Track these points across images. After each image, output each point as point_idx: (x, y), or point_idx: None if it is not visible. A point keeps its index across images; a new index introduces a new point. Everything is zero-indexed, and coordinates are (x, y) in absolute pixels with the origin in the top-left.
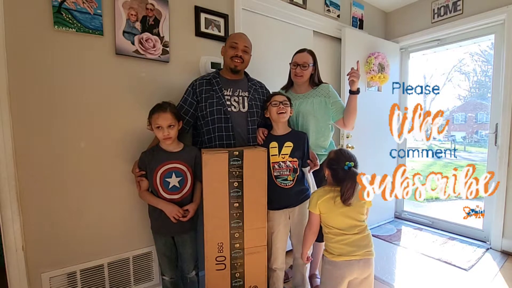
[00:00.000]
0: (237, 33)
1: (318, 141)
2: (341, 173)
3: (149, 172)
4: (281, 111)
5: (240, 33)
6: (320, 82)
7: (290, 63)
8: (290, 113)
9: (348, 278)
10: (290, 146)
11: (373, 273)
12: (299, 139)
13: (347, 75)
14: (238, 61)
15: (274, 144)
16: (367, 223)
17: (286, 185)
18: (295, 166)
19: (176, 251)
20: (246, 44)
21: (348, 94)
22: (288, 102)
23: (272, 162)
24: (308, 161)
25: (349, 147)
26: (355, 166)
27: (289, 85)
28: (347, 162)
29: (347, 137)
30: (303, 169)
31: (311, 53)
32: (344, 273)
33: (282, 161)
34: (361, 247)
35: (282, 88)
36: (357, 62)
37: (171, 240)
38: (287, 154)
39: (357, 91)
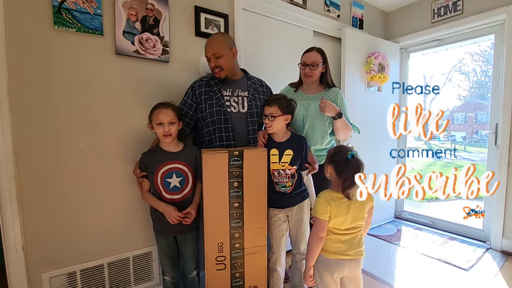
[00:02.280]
0: (207, 40)
1: (322, 145)
2: (343, 164)
3: (150, 172)
4: (266, 125)
5: (208, 39)
6: (333, 84)
7: (299, 64)
8: (286, 120)
9: (337, 275)
10: (290, 155)
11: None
12: (298, 146)
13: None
14: (217, 71)
15: (274, 151)
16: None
17: (286, 191)
18: (293, 173)
19: (177, 251)
20: (213, 50)
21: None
22: (274, 116)
23: (272, 169)
24: (306, 164)
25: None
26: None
27: (300, 83)
28: (349, 151)
29: None
30: (302, 172)
31: (320, 51)
32: (333, 271)
33: (282, 169)
34: (353, 246)
35: (292, 86)
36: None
37: (173, 240)
38: (287, 163)
39: (337, 116)
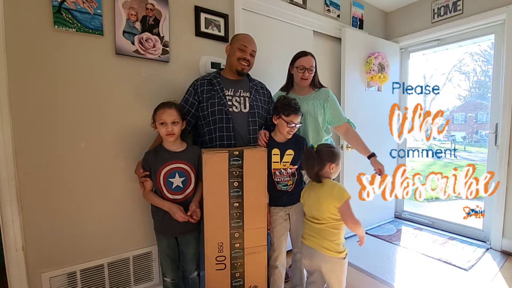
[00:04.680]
0: (246, 35)
1: (317, 141)
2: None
3: (153, 172)
4: (291, 132)
5: (250, 37)
6: (321, 85)
7: (293, 66)
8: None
9: (308, 262)
10: (291, 155)
11: (337, 272)
12: (299, 146)
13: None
14: (245, 64)
15: (276, 151)
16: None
17: (287, 189)
18: (294, 171)
19: (178, 252)
20: (254, 48)
21: (369, 154)
22: (300, 122)
23: (274, 169)
24: None
25: (349, 148)
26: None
27: (289, 86)
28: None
29: None
30: (302, 171)
31: (313, 56)
32: (304, 255)
33: (283, 169)
34: (314, 233)
35: (282, 90)
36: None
37: (175, 241)
38: (288, 162)
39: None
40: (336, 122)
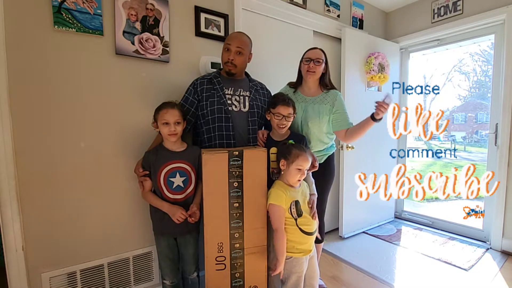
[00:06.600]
0: (232, 33)
1: (322, 146)
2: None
3: (153, 171)
4: (281, 125)
5: (236, 33)
6: (332, 86)
7: (301, 60)
8: (293, 117)
9: None
10: None
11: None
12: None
13: (377, 103)
14: (230, 65)
15: (274, 150)
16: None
17: None
18: None
19: (178, 253)
20: (239, 44)
21: (369, 118)
22: (292, 115)
23: (272, 168)
24: None
25: (349, 148)
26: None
27: (299, 83)
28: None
29: None
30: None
31: (323, 51)
32: None
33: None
34: None
35: (291, 86)
36: (387, 98)
37: (174, 242)
38: None
39: (379, 120)
40: (339, 127)
